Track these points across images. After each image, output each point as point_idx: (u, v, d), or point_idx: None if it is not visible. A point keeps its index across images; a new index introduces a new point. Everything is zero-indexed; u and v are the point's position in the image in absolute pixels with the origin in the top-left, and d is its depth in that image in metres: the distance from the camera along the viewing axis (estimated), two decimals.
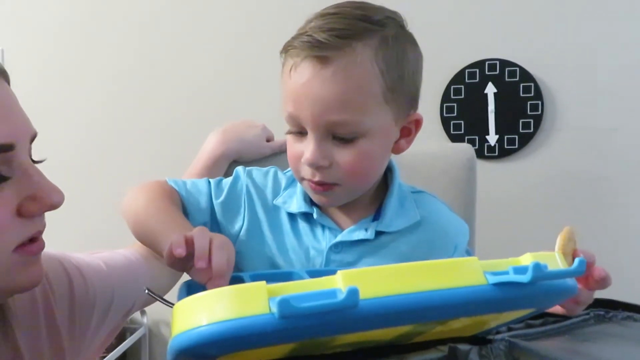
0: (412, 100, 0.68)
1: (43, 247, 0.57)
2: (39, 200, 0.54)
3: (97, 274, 0.71)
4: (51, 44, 1.68)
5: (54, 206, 0.55)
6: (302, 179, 0.68)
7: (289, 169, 0.72)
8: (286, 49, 0.65)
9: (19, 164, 0.53)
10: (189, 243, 0.53)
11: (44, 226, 0.57)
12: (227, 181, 0.74)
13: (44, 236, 0.57)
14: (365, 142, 0.64)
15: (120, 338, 1.47)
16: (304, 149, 0.64)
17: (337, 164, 0.64)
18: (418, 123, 0.70)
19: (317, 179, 0.65)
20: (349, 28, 0.62)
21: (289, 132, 0.67)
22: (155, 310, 1.40)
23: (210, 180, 0.75)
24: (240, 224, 0.72)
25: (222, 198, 0.72)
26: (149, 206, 0.67)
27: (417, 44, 0.68)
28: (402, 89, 0.65)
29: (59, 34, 1.68)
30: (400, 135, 0.69)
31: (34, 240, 0.55)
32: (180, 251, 0.53)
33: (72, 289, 0.67)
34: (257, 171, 0.75)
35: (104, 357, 1.34)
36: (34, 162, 0.56)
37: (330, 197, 0.68)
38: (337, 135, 0.63)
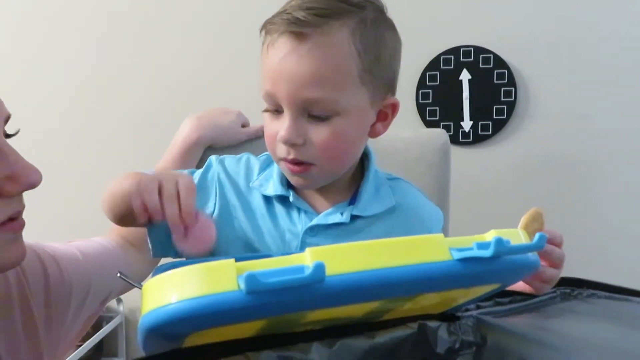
0: (389, 84, 0.69)
1: (24, 224, 0.56)
2: (16, 180, 0.53)
3: (72, 263, 0.71)
4: (26, 30, 1.64)
5: (31, 185, 0.54)
6: (279, 160, 0.68)
7: (263, 153, 0.71)
8: (265, 27, 0.66)
9: None
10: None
11: (22, 206, 0.56)
12: (199, 171, 0.74)
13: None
14: (340, 121, 0.64)
15: (97, 326, 1.46)
16: (280, 128, 0.65)
17: (312, 142, 0.64)
18: (394, 107, 0.70)
19: (291, 156, 0.65)
20: (328, 7, 0.62)
21: (266, 110, 0.67)
22: (131, 298, 1.39)
23: (185, 171, 0.75)
24: (210, 211, 0.71)
25: None
26: (127, 185, 0.66)
27: (396, 30, 0.69)
28: (379, 71, 0.66)
29: (30, 19, 1.64)
30: (377, 119, 0.70)
31: (14, 219, 0.55)
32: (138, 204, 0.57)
33: (47, 278, 0.67)
34: (229, 158, 0.75)
35: (80, 345, 1.33)
36: (8, 136, 0.55)
37: (306, 179, 0.68)
38: (312, 113, 0.64)
